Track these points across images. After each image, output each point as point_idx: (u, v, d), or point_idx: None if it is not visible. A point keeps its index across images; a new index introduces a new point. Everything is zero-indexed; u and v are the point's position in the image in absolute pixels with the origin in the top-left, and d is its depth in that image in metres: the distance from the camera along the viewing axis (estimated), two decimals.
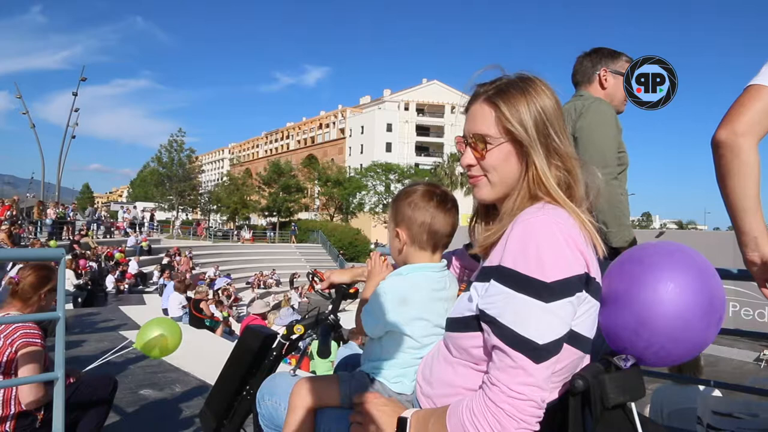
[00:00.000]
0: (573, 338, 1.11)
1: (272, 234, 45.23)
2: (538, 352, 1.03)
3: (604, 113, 2.42)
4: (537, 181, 1.19)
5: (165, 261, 21.79)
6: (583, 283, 1.09)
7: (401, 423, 1.21)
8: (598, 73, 2.56)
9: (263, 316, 8.87)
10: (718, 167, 1.40)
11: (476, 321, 1.14)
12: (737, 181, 1.35)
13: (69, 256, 13.55)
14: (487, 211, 1.37)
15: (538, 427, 1.04)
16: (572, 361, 1.14)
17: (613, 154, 2.37)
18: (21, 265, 3.41)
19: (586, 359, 1.20)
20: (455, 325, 1.22)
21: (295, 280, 26.69)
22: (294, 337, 1.89)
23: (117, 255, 19.95)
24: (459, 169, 46.02)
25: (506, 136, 1.21)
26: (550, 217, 1.11)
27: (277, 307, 13.69)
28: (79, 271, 14.32)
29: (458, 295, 1.42)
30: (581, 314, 1.12)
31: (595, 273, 1.14)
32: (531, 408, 1.02)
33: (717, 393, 2.83)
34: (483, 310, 1.12)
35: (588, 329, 1.15)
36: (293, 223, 46.04)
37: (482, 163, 1.24)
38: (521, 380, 1.03)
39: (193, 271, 21.96)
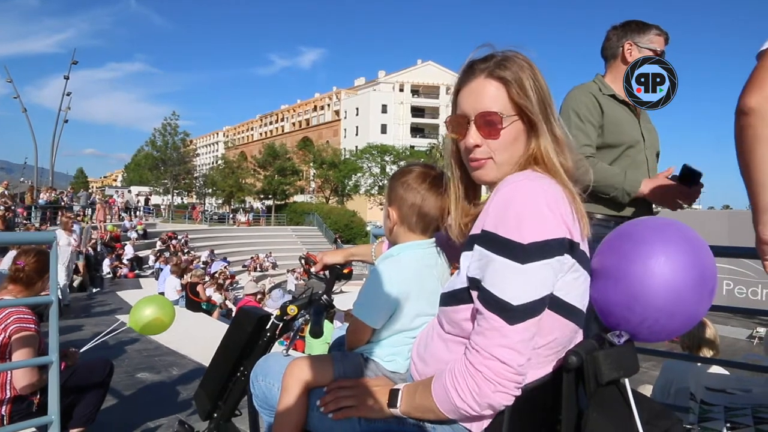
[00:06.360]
0: (562, 308, 1.11)
1: (256, 216, 45.11)
2: (513, 314, 1.02)
3: (564, 102, 2.37)
4: (539, 159, 1.17)
5: (158, 245, 21.64)
6: (566, 247, 1.07)
7: (393, 393, 1.23)
8: (622, 47, 2.42)
9: (257, 295, 8.87)
10: (744, 136, 1.28)
11: (466, 293, 1.14)
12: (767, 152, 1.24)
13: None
14: (469, 193, 1.32)
15: (517, 392, 1.04)
16: (564, 333, 1.13)
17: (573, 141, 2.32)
18: (15, 251, 3.38)
19: (579, 335, 1.20)
20: (448, 299, 1.21)
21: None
22: (287, 317, 1.88)
23: (109, 227, 19.97)
24: None
25: (517, 114, 1.17)
26: (533, 181, 1.09)
27: (276, 288, 13.72)
28: None
29: (451, 274, 1.42)
30: (569, 282, 1.11)
31: (579, 240, 1.12)
32: (507, 372, 1.02)
33: (711, 369, 2.85)
34: (469, 276, 1.12)
35: (579, 300, 1.14)
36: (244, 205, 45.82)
37: (492, 144, 1.18)
38: (497, 342, 1.02)
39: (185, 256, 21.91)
